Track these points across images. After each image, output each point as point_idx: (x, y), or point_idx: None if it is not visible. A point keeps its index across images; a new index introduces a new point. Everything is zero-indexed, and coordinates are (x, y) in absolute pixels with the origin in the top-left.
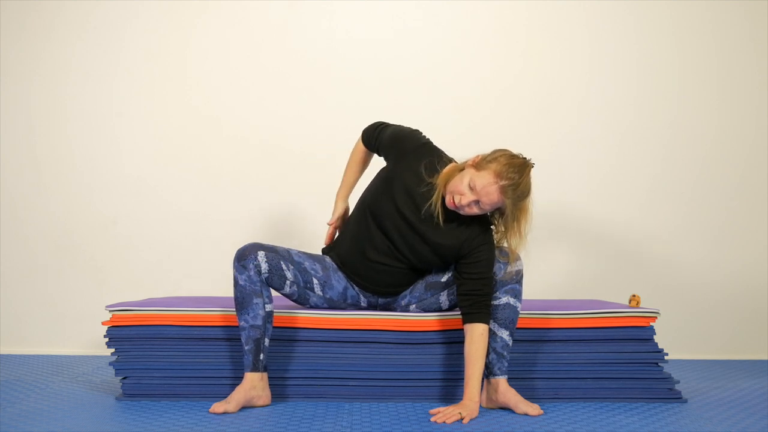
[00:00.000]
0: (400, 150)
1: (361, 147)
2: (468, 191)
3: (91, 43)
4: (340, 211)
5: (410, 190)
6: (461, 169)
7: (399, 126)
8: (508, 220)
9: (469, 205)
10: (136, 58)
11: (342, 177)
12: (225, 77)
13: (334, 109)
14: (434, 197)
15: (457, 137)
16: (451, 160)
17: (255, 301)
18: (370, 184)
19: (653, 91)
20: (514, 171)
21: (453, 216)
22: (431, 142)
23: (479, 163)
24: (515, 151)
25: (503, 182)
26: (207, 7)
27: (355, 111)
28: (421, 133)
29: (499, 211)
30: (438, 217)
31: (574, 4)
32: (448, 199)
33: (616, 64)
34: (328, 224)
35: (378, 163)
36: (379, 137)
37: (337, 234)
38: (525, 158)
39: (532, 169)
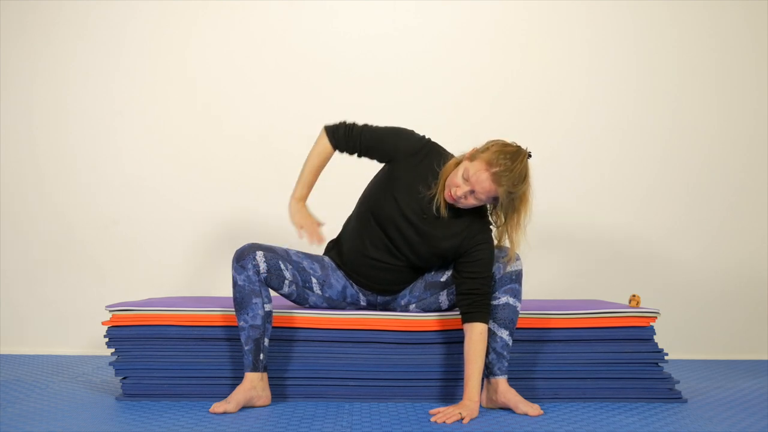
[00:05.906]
0: (400, 150)
1: (328, 149)
2: (462, 182)
3: (91, 42)
4: (305, 216)
5: (413, 191)
6: (458, 162)
7: (380, 126)
8: (507, 210)
9: (464, 196)
10: (136, 58)
11: (300, 176)
12: (225, 77)
13: (336, 110)
14: (437, 196)
15: (458, 137)
16: (451, 156)
17: (254, 301)
18: (371, 183)
19: (653, 91)
20: (506, 158)
21: (454, 215)
22: (431, 140)
23: (473, 155)
24: (510, 141)
25: (495, 169)
26: (207, 6)
27: (356, 111)
28: (414, 131)
29: (495, 201)
30: (440, 211)
31: (574, 4)
32: (446, 193)
33: (617, 64)
34: (311, 241)
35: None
36: (362, 139)
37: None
38: (519, 146)
39: (530, 159)
